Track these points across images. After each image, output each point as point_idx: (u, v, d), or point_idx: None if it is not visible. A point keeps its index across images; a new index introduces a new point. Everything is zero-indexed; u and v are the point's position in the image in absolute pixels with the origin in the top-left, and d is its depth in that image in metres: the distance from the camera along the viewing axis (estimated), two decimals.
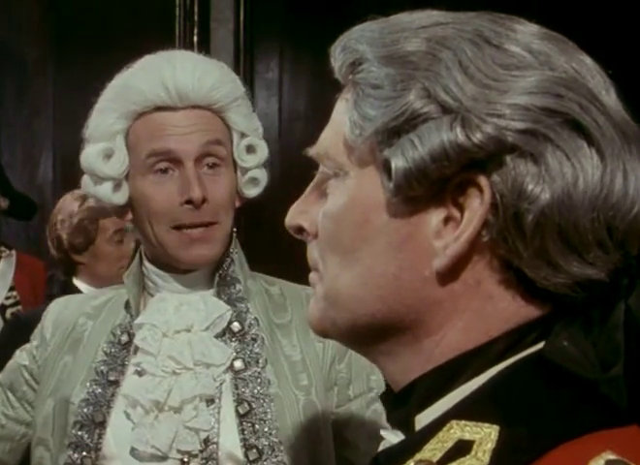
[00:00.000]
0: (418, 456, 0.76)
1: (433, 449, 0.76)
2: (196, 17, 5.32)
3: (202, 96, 1.64)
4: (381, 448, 0.90)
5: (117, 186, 1.67)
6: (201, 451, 1.60)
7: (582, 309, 0.78)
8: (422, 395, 0.81)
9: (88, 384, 1.67)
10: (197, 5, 5.32)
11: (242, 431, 1.61)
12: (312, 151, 0.87)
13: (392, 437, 0.83)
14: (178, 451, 1.60)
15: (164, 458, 1.61)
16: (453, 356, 0.79)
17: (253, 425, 1.61)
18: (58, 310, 1.79)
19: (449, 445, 0.75)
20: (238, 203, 1.72)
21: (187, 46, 5.28)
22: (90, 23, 5.10)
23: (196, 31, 5.32)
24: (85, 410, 1.65)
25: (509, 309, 0.78)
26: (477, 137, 0.75)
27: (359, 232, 0.81)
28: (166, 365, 1.63)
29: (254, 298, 1.73)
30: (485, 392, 0.77)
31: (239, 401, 1.63)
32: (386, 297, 0.80)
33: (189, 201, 1.62)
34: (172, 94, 1.62)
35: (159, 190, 1.64)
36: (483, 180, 0.76)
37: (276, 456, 1.61)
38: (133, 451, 1.62)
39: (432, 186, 0.77)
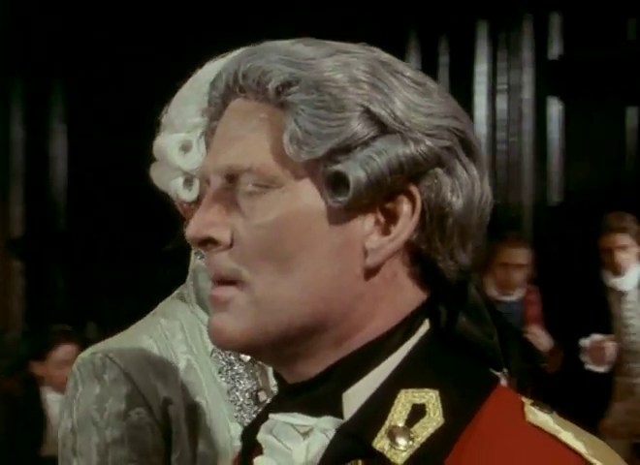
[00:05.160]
0: (387, 424, 0.87)
1: (397, 415, 0.88)
2: None
3: None
4: (261, 433, 0.94)
5: (188, 181, 1.53)
6: None
7: (449, 292, 0.94)
8: (344, 375, 0.90)
9: (237, 414, 1.53)
10: None
11: None
12: (220, 164, 0.91)
13: (290, 419, 0.91)
14: None
15: None
16: (370, 339, 0.90)
17: None
18: (139, 364, 1.51)
19: (408, 409, 0.88)
20: None
21: None
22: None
23: None
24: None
25: (412, 296, 0.93)
26: (424, 151, 0.89)
27: (300, 239, 0.88)
28: None
29: None
30: (412, 364, 0.90)
31: None
32: (327, 297, 0.89)
33: None
34: None
35: None
36: (414, 189, 0.90)
37: None
38: None
39: (372, 195, 0.88)
